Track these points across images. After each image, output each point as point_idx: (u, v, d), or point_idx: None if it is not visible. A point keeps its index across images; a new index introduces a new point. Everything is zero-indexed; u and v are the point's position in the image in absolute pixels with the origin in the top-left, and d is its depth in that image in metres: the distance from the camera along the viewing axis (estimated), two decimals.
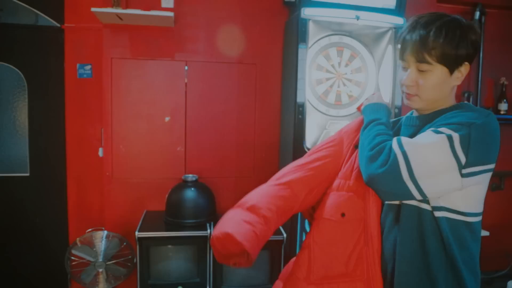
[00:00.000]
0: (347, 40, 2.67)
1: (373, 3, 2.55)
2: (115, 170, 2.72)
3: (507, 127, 3.64)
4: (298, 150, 2.44)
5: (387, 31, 2.57)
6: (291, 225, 2.47)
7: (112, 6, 2.42)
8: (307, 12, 2.41)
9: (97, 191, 2.83)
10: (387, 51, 2.60)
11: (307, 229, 2.44)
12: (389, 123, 1.17)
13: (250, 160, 2.92)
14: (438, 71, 1.04)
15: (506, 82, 3.48)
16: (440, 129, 0.98)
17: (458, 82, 1.09)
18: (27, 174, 2.81)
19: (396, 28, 2.51)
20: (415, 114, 1.17)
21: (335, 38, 2.65)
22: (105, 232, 2.43)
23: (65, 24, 2.75)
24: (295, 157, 2.43)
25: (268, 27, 2.84)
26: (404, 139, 1.01)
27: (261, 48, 2.86)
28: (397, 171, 0.96)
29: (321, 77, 2.62)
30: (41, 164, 2.82)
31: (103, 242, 2.39)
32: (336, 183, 1.17)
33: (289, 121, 2.56)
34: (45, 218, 2.85)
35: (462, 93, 3.33)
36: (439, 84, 1.05)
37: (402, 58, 1.09)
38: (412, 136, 1.08)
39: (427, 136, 1.00)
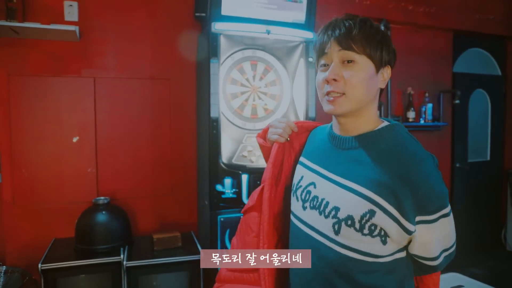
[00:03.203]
0: (260, 54, 2.69)
1: (283, 18, 2.60)
2: (17, 196, 2.49)
3: (415, 134, 3.87)
4: (214, 165, 2.39)
5: (298, 44, 2.64)
6: (210, 244, 2.40)
7: (5, 19, 2.24)
8: (217, 26, 2.39)
9: None
10: (300, 64, 2.66)
11: (228, 246, 2.39)
12: None
13: (167, 178, 2.82)
14: (365, 63, 0.96)
15: (412, 92, 3.73)
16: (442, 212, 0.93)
17: (383, 86, 1.02)
18: None
19: (307, 42, 2.58)
20: (337, 132, 1.06)
21: (248, 52, 2.66)
22: (4, 267, 2.19)
23: None
24: (211, 173, 2.41)
25: (181, 41, 2.79)
26: None
27: (175, 63, 2.80)
28: None
29: (236, 91, 2.61)
30: None
31: (1, 278, 2.16)
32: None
33: (205, 136, 2.51)
34: None
35: None
36: (367, 80, 0.96)
37: (322, 53, 0.99)
38: (347, 161, 1.01)
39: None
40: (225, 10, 2.43)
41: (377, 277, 0.96)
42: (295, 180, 1.13)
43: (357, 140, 1.01)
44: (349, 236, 0.95)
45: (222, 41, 2.46)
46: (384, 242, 0.94)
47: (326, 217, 0.99)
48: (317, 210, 1.01)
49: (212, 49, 2.40)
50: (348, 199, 0.96)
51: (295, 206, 1.10)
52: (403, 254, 1.00)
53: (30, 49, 2.49)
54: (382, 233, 0.93)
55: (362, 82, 0.96)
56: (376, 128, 1.01)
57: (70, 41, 2.54)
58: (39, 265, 2.12)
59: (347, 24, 0.96)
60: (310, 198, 1.04)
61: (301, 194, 1.08)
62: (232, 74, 2.60)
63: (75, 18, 2.54)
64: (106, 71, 2.66)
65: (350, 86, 0.95)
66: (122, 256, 2.27)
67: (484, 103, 4.36)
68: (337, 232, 0.96)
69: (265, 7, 2.54)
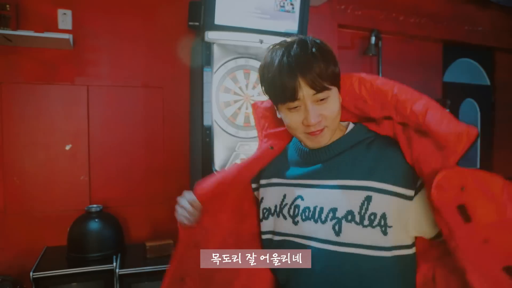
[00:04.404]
0: (253, 63, 2.71)
1: (276, 27, 2.63)
2: (8, 205, 2.48)
3: None
4: (207, 173, 2.38)
5: None
6: None
7: None
8: (211, 35, 2.42)
9: None
10: None
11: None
12: None
13: (160, 186, 2.82)
14: (335, 92, 0.97)
15: None
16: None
17: (341, 100, 1.02)
18: None
19: None
20: (307, 146, 1.06)
21: (241, 61, 2.68)
22: None
23: None
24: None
25: (175, 50, 2.81)
26: None
27: (168, 71, 2.82)
28: None
29: (229, 99, 2.63)
30: None
31: None
32: None
33: (198, 144, 2.53)
34: None
35: None
36: (339, 105, 0.99)
37: (292, 99, 0.93)
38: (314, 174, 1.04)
39: None
40: (218, 20, 2.46)
41: (385, 274, 0.96)
42: (276, 201, 1.11)
43: (331, 148, 1.04)
44: (350, 233, 0.95)
45: (216, 50, 2.48)
46: (384, 233, 0.94)
47: (324, 222, 0.99)
48: (312, 220, 1.01)
49: (205, 57, 2.43)
50: (343, 197, 0.98)
51: (283, 225, 1.08)
52: (406, 252, 0.98)
53: (23, 57, 2.49)
54: (382, 222, 0.94)
55: (338, 110, 0.99)
56: (346, 133, 1.05)
57: (63, 49, 2.54)
58: (31, 274, 2.10)
59: (312, 61, 0.92)
60: (300, 211, 1.04)
61: (289, 211, 1.07)
62: (225, 82, 2.62)
63: (68, 26, 2.55)
64: (100, 79, 2.67)
65: (330, 119, 0.97)
66: (114, 264, 2.26)
67: (473, 112, 4.43)
68: (338, 233, 0.97)
69: (258, 17, 2.57)
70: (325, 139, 1.00)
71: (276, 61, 0.94)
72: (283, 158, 1.15)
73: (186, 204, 1.06)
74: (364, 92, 1.00)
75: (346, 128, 1.08)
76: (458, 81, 4.27)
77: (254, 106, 1.23)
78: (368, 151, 1.01)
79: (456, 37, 4.05)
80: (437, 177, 0.84)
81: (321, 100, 0.94)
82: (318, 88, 0.92)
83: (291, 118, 0.97)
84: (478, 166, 4.43)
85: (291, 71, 0.91)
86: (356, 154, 1.01)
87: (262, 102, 1.22)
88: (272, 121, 1.19)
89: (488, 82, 4.52)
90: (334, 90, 0.97)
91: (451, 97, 4.05)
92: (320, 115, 0.95)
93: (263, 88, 1.01)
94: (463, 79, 4.33)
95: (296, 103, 0.94)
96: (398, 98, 0.93)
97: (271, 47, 1.00)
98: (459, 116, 4.25)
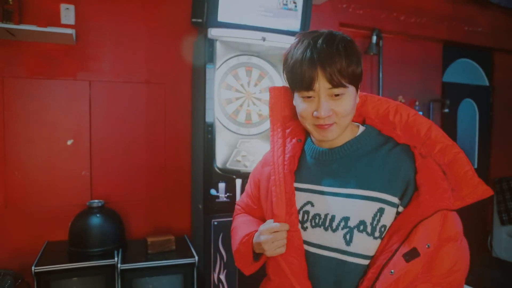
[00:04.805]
0: (255, 60, 2.72)
1: (279, 25, 2.64)
2: (9, 199, 2.48)
3: None
4: (209, 170, 2.41)
5: None
6: (204, 248, 2.41)
7: (1, 21, 2.23)
8: (214, 32, 2.42)
9: None
10: None
11: (223, 252, 2.41)
12: None
13: (161, 182, 2.83)
14: (351, 91, 0.97)
15: (403, 100, 3.79)
16: None
17: (358, 100, 1.04)
18: None
19: None
20: (321, 145, 1.07)
21: (243, 58, 2.69)
22: None
23: None
24: (206, 177, 2.43)
25: (177, 46, 2.81)
26: None
27: (170, 67, 2.82)
28: None
29: (231, 96, 2.64)
30: None
31: None
32: None
33: (199, 141, 2.54)
34: None
35: None
36: (353, 105, 0.99)
37: (308, 88, 0.95)
38: (332, 173, 1.04)
39: None
40: (221, 17, 2.46)
41: None
42: None
43: (344, 149, 1.04)
44: (361, 244, 0.96)
45: (218, 47, 2.49)
46: None
47: (335, 230, 0.99)
48: (322, 227, 1.01)
49: (208, 54, 2.43)
50: (356, 206, 0.97)
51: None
52: None
53: (26, 52, 2.49)
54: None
55: (350, 109, 0.98)
56: (357, 134, 1.05)
57: (66, 44, 2.54)
58: (33, 268, 2.11)
59: (335, 56, 0.92)
60: (310, 217, 1.04)
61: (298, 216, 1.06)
62: (227, 79, 2.63)
63: (71, 21, 2.55)
64: (102, 75, 2.67)
65: (341, 116, 0.97)
66: (116, 259, 2.27)
67: (472, 112, 4.46)
68: (348, 242, 0.97)
69: (261, 14, 2.58)
70: (332, 135, 0.99)
71: (301, 50, 0.95)
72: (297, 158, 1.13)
73: (283, 234, 1.02)
74: (397, 120, 1.02)
75: (358, 128, 1.08)
76: (457, 81, 4.30)
77: (274, 88, 1.15)
78: (386, 162, 1.00)
79: (456, 38, 4.07)
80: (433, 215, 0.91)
81: (336, 95, 0.95)
82: (335, 83, 0.93)
83: (303, 107, 0.98)
84: (476, 166, 4.46)
85: (312, 62, 0.93)
86: (374, 163, 1.00)
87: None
88: (287, 106, 1.14)
89: (487, 83, 4.55)
90: (351, 88, 0.97)
91: (450, 97, 4.08)
92: (332, 110, 0.95)
93: (284, 74, 1.02)
94: (463, 79, 4.36)
95: (310, 93, 0.95)
96: (431, 136, 0.97)
97: (301, 35, 1.00)
98: (458, 116, 4.28)
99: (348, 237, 0.97)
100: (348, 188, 1.00)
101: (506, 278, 3.79)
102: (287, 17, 2.66)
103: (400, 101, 3.77)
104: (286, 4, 2.65)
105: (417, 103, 3.87)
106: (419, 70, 3.97)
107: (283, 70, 1.03)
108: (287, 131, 1.14)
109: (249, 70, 2.70)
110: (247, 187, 1.29)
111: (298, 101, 1.00)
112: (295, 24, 2.69)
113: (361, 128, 1.07)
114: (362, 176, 1.00)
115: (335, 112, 0.96)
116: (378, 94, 3.67)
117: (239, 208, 1.32)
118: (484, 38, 4.26)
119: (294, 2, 2.67)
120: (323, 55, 0.92)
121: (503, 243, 4.37)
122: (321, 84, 0.93)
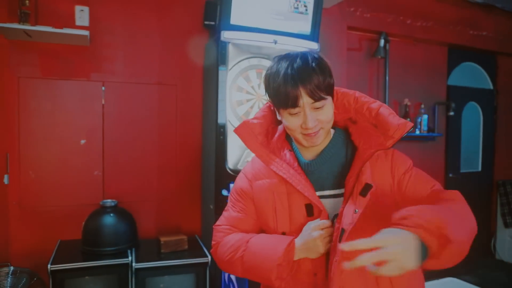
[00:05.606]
0: (266, 63, 2.75)
1: (289, 28, 2.68)
2: (23, 198, 2.51)
3: (411, 144, 3.98)
4: (220, 171, 2.44)
5: None
6: None
7: (18, 22, 2.27)
8: (226, 35, 2.46)
9: (2, 222, 2.57)
10: None
11: None
12: None
13: (172, 182, 2.86)
14: (329, 101, 1.08)
15: (408, 103, 3.83)
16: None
17: (333, 107, 1.13)
18: None
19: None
20: (304, 154, 1.17)
21: (254, 61, 2.72)
22: (11, 268, 2.21)
23: None
24: (217, 178, 2.46)
25: (189, 48, 2.85)
26: None
27: (182, 69, 2.86)
28: None
29: (242, 98, 2.67)
30: None
31: (9, 279, 2.17)
32: None
33: (211, 142, 2.57)
34: None
35: None
36: (332, 110, 1.10)
37: (293, 106, 1.04)
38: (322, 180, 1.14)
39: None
40: (234, 20, 2.50)
41: None
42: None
43: (325, 156, 1.14)
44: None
45: (230, 49, 2.52)
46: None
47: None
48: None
49: (220, 57, 2.47)
50: (338, 204, 1.11)
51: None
52: None
53: (41, 52, 2.52)
54: None
55: (332, 115, 1.10)
56: (332, 138, 1.16)
57: (80, 45, 2.58)
58: (49, 266, 2.14)
59: (312, 74, 1.02)
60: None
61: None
62: (238, 81, 2.67)
63: (86, 22, 2.59)
64: (115, 76, 2.70)
65: (325, 123, 1.08)
66: (130, 258, 2.30)
67: (476, 115, 4.50)
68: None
69: (272, 18, 2.62)
70: (318, 139, 1.10)
71: (282, 72, 1.05)
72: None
73: (332, 230, 1.08)
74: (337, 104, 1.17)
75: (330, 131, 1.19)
76: (462, 85, 4.34)
77: (246, 123, 1.19)
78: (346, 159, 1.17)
79: (461, 41, 4.11)
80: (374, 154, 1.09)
81: (318, 108, 1.06)
82: (316, 98, 1.04)
83: (291, 121, 1.08)
84: (480, 168, 4.50)
85: (294, 82, 1.03)
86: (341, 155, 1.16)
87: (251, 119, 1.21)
88: (258, 133, 1.19)
89: (491, 86, 4.59)
90: (329, 99, 1.08)
91: (455, 100, 4.11)
92: (317, 120, 1.06)
93: (267, 95, 1.12)
94: (467, 82, 4.40)
95: (296, 110, 1.06)
96: (358, 101, 1.15)
97: (276, 59, 1.10)
98: (462, 119, 4.32)
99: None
100: (327, 190, 1.14)
101: (510, 281, 3.83)
102: (298, 20, 2.70)
103: (406, 104, 3.81)
104: (297, 8, 2.69)
105: (422, 106, 3.91)
106: (424, 73, 4.01)
107: (265, 91, 1.12)
108: (273, 148, 1.20)
109: (260, 72, 2.73)
110: (234, 205, 1.26)
111: (285, 117, 1.09)
112: (305, 27, 2.73)
113: (332, 130, 1.18)
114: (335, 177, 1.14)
115: (320, 120, 1.07)
116: (385, 97, 3.71)
117: (228, 228, 1.23)
118: (488, 42, 4.30)
119: (305, 6, 2.71)
120: (302, 74, 1.03)
121: (507, 246, 4.41)
122: (305, 100, 1.04)
